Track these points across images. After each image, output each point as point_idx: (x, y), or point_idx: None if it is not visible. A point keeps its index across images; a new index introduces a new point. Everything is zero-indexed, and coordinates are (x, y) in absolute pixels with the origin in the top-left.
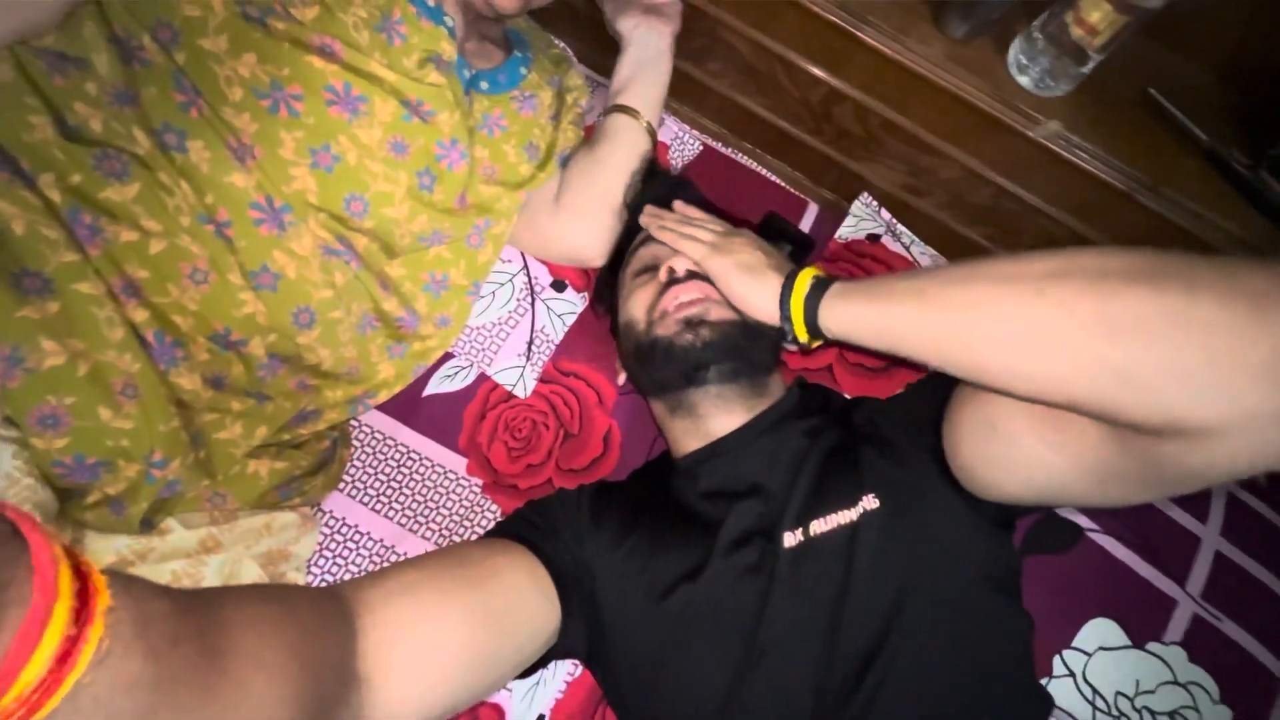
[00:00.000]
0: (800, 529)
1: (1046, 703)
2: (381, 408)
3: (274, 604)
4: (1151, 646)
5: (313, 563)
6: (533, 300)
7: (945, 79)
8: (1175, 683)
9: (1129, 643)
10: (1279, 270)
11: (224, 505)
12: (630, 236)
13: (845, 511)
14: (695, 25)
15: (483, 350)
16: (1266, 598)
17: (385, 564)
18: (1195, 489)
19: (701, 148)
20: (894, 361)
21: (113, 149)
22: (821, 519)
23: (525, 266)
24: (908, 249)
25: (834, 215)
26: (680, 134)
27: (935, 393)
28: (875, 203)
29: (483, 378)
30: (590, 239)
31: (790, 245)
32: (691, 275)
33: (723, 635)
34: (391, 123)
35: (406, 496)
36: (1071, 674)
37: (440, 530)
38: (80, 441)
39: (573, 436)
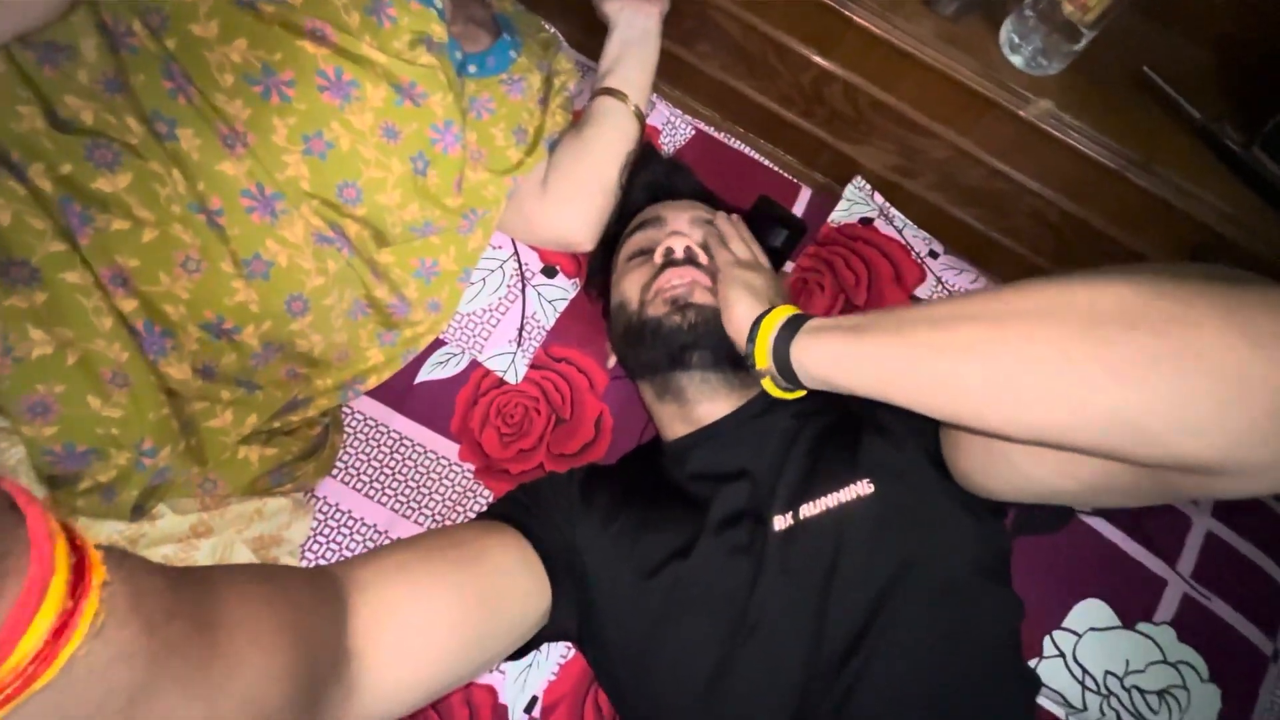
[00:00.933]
0: (790, 512)
1: (1034, 684)
2: (373, 394)
3: (267, 581)
4: (1142, 626)
5: (306, 548)
6: (523, 286)
7: (935, 58)
8: (1165, 662)
9: (1119, 623)
10: None
11: (215, 491)
12: (623, 220)
13: (836, 494)
14: (684, 6)
15: (473, 337)
16: (1257, 577)
17: None
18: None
19: (693, 132)
20: None
21: (104, 138)
22: (811, 502)
23: (515, 253)
24: (900, 232)
25: (827, 199)
26: (671, 118)
27: None
28: (868, 186)
29: (474, 364)
30: (578, 223)
31: (784, 230)
32: (689, 260)
33: (711, 614)
34: (383, 108)
35: (399, 482)
36: (1061, 654)
37: (433, 515)
38: (70, 430)
39: (564, 422)
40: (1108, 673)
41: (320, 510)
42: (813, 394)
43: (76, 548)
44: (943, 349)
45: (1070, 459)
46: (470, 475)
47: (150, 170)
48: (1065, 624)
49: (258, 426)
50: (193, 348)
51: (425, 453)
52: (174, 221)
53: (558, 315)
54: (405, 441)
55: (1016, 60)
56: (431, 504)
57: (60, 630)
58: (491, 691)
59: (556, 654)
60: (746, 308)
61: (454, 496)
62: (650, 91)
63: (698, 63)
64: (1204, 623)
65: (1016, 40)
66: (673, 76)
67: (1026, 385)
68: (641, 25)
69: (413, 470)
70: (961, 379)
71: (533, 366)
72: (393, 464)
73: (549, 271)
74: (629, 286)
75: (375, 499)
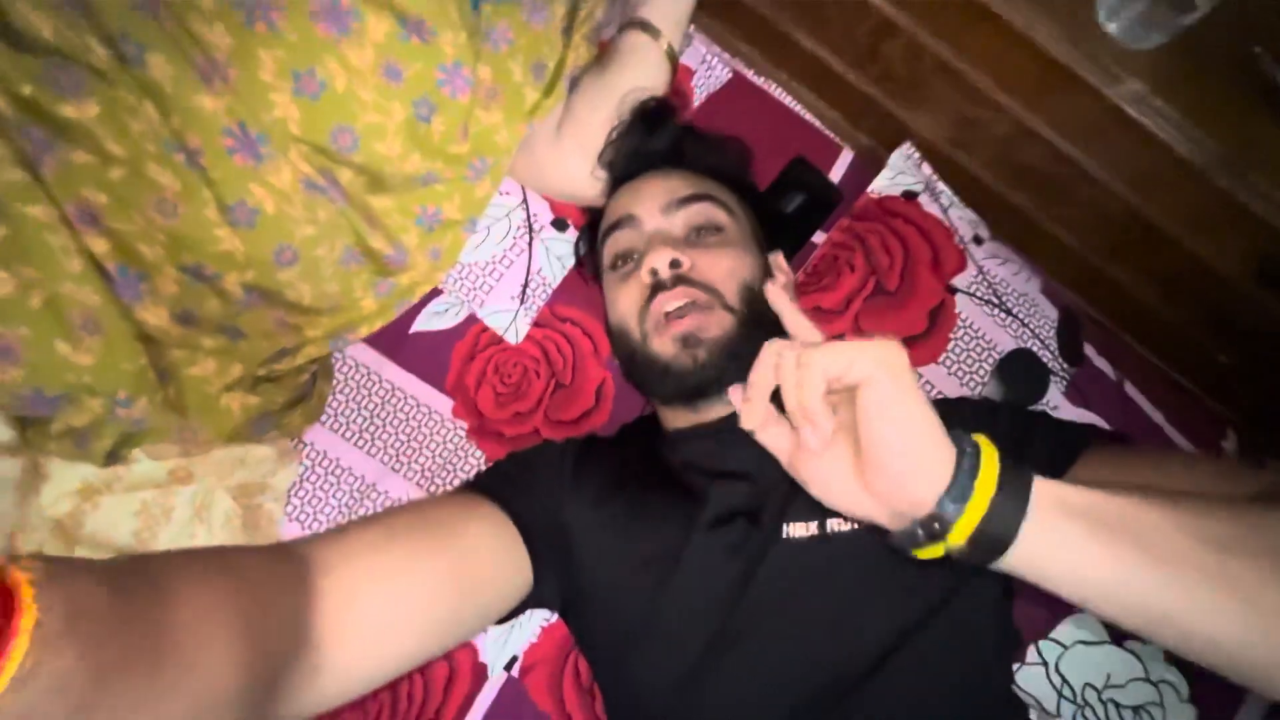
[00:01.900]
0: (815, 522)
1: (1021, 712)
2: (368, 341)
3: (224, 573)
4: (1129, 643)
5: (293, 493)
6: (530, 239)
7: (1017, 17)
8: (1146, 679)
9: (1107, 638)
10: None
11: (195, 439)
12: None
13: None
14: None
15: (474, 290)
16: None
17: (367, 501)
18: None
19: (730, 75)
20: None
21: (67, 59)
22: (841, 520)
23: (525, 201)
24: (945, 211)
25: (870, 164)
26: (709, 57)
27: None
28: (917, 154)
29: (473, 318)
30: (591, 175)
31: (800, 196)
32: (679, 279)
33: (696, 614)
34: (385, 43)
35: (390, 434)
36: (1044, 663)
37: (423, 471)
38: (37, 374)
39: (564, 387)
40: (1087, 684)
41: (308, 456)
42: None
43: (4, 590)
44: (1166, 565)
45: None
46: (463, 434)
47: (120, 99)
48: (1054, 635)
49: (243, 375)
50: (171, 291)
51: (418, 406)
52: (149, 160)
53: (565, 272)
54: (398, 393)
55: (1112, 27)
56: (422, 459)
57: None
58: (472, 650)
59: (541, 616)
60: (933, 460)
61: (445, 454)
62: (687, 25)
63: None
64: None
65: (1117, 2)
66: (713, 9)
67: (1210, 620)
68: None
69: (404, 423)
70: (1207, 621)
71: (536, 324)
72: (384, 415)
73: (559, 224)
74: (624, 306)
75: (365, 449)
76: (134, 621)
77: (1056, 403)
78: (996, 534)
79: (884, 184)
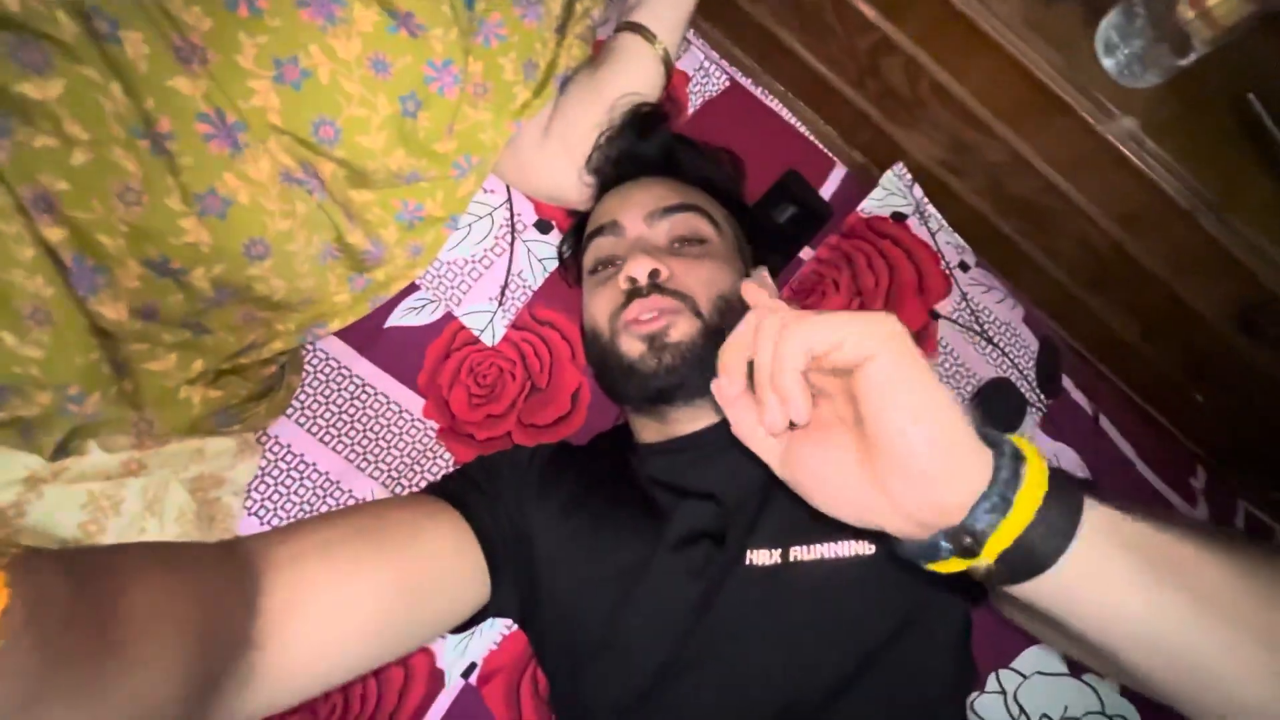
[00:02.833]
0: (778, 550)
1: None
2: (340, 334)
3: (175, 570)
4: (1087, 677)
5: (253, 488)
6: (512, 239)
7: (1016, 46)
8: (1101, 713)
9: (1066, 671)
10: None
11: (150, 431)
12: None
13: (833, 545)
14: None
15: (451, 288)
16: None
17: (330, 499)
18: None
19: (727, 83)
20: None
21: (32, 35)
22: (804, 546)
23: (509, 200)
24: (934, 236)
25: (861, 182)
26: (706, 64)
27: None
28: (909, 176)
29: (449, 316)
30: (576, 180)
31: (791, 206)
32: (655, 288)
33: (654, 634)
34: (373, 34)
35: (358, 431)
36: (1003, 692)
37: (389, 471)
38: None
39: (539, 391)
40: (1044, 715)
41: (270, 450)
42: None
43: None
44: (1257, 646)
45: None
46: (433, 434)
47: (86, 78)
48: (1014, 664)
49: (205, 370)
50: (132, 285)
51: (388, 404)
52: (113, 144)
53: (546, 276)
54: (368, 389)
55: (1108, 64)
56: (389, 458)
57: None
58: (429, 654)
59: (501, 624)
60: (966, 460)
61: (413, 455)
62: (685, 30)
63: (745, 3)
64: None
65: (1115, 40)
66: (714, 15)
67: (1209, 671)
68: None
69: (373, 420)
70: (1240, 679)
71: (513, 326)
72: (352, 411)
73: (543, 226)
74: (598, 310)
75: (330, 445)
76: (87, 616)
77: (1031, 434)
78: (1034, 556)
79: (874, 205)
